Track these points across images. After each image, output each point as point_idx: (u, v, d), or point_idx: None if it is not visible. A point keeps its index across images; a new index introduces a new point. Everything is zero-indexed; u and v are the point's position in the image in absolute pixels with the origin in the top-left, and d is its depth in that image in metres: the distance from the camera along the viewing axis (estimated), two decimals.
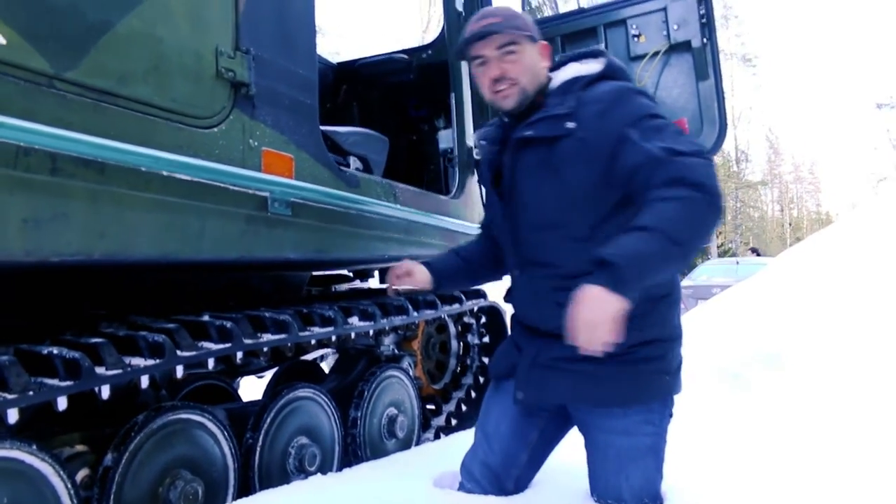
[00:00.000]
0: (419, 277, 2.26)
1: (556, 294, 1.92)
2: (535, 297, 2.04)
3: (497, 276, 2.42)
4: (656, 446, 2.03)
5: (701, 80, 3.25)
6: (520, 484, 2.17)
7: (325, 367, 3.54)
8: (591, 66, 2.02)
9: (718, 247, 33.55)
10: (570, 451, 2.26)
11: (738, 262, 13.33)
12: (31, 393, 1.67)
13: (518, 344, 2.15)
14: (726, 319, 4.88)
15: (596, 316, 1.62)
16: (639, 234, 1.67)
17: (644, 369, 1.96)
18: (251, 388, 4.04)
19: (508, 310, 2.39)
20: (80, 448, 2.07)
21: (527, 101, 2.00)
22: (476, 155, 2.35)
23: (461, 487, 2.19)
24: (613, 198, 1.90)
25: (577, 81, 1.98)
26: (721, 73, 3.29)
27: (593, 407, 2.02)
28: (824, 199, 60.46)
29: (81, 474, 2.00)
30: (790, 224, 50.66)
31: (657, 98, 3.20)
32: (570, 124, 1.89)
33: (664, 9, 3.16)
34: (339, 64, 3.98)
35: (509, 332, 2.29)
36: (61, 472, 1.78)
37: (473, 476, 2.15)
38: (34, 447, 1.72)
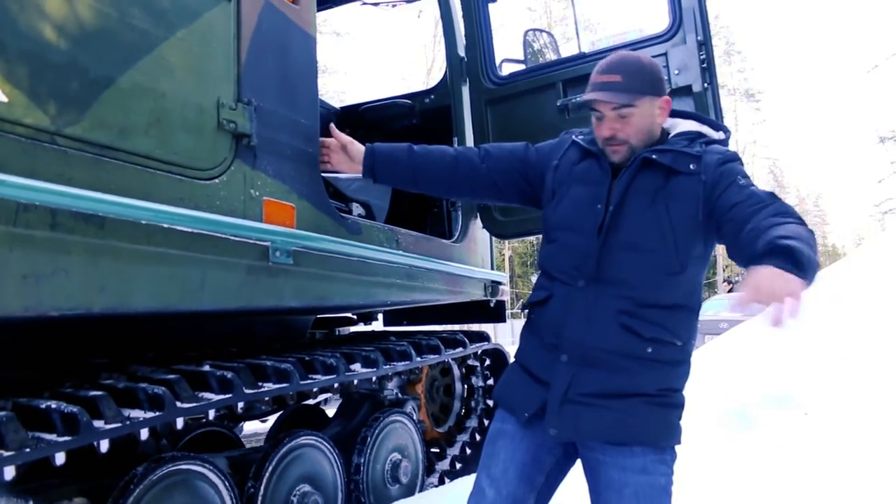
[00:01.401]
0: (352, 158, 2.31)
1: (622, 317, 1.96)
2: (593, 314, 2.00)
3: (444, 194, 2.46)
4: (669, 488, 2.03)
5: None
6: None
7: (329, 410, 3.52)
8: (713, 133, 2.13)
9: (725, 279, 33.42)
10: (570, 494, 2.24)
11: None
12: (27, 450, 1.65)
13: (537, 375, 2.09)
14: (733, 357, 4.85)
15: (786, 287, 1.56)
16: (793, 240, 1.69)
17: (672, 413, 2.02)
18: (254, 426, 4.01)
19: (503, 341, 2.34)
20: (78, 501, 2.05)
21: (634, 156, 2.04)
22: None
23: None
24: (702, 241, 2.00)
25: (702, 137, 2.08)
26: (722, 115, 3.30)
27: (620, 445, 2.01)
28: (830, 232, 60.33)
29: None
30: None
31: None
32: (694, 166, 1.98)
33: (665, 54, 3.18)
34: (342, 108, 4.02)
35: (520, 355, 2.19)
36: None
37: None
38: (31, 503, 1.71)
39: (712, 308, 12.68)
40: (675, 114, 2.16)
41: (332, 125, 2.42)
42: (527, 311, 2.25)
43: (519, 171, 2.31)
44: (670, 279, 1.98)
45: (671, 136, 2.10)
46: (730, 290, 15.27)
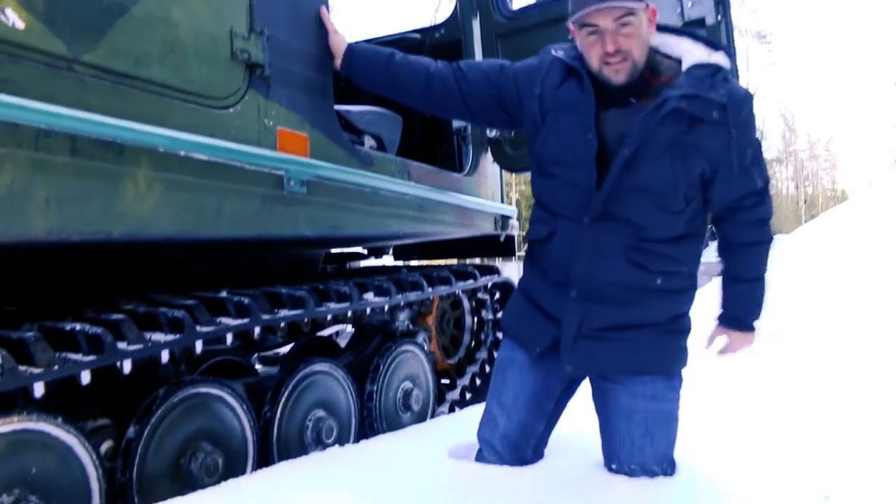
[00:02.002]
0: (333, 49, 2.39)
1: (629, 252, 2.00)
2: (601, 250, 2.01)
3: (425, 111, 2.50)
4: (676, 413, 2.11)
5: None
6: (537, 451, 2.22)
7: (341, 342, 3.59)
8: (721, 59, 1.99)
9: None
10: (580, 423, 2.31)
11: None
12: (55, 367, 1.72)
13: (547, 311, 2.12)
14: None
15: (744, 346, 2.31)
16: (757, 286, 2.23)
17: (681, 339, 2.11)
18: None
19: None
20: (103, 421, 2.13)
21: (636, 76, 1.97)
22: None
23: (480, 458, 2.23)
24: (709, 187, 2.05)
25: (721, 71, 1.97)
26: (735, 49, 3.27)
27: (632, 374, 2.07)
28: (840, 177, 59.89)
29: (105, 446, 2.06)
30: (805, 201, 50.28)
31: None
32: (717, 115, 1.92)
33: None
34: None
35: (525, 287, 2.23)
36: (86, 444, 1.84)
37: (495, 449, 2.18)
38: (59, 420, 1.78)
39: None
40: (658, 28, 2.05)
41: (322, 7, 2.40)
42: (527, 245, 2.25)
43: (492, 97, 2.22)
44: (675, 216, 2.01)
45: (687, 65, 1.99)
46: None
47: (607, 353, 2.03)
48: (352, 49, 2.36)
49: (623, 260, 2.00)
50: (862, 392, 3.07)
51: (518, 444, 2.17)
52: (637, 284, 2.01)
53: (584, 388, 2.22)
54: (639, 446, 2.04)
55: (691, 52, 2.01)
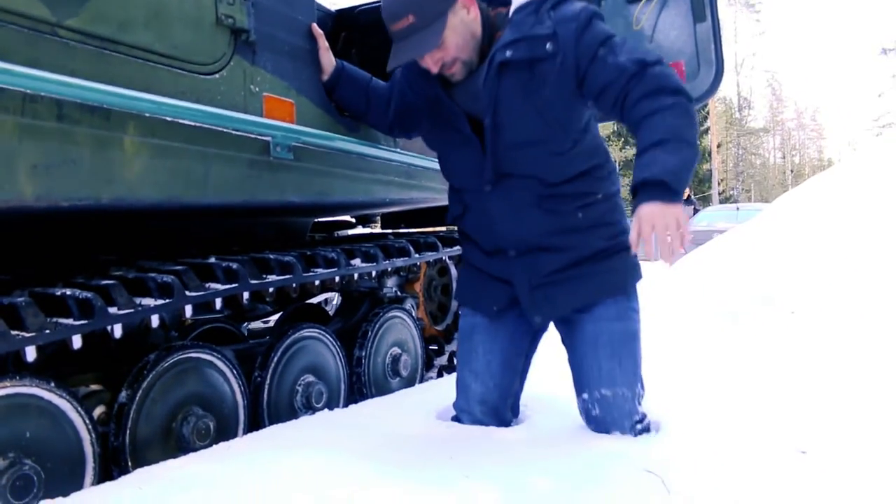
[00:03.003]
0: (322, 67, 2.44)
1: (541, 202, 2.06)
2: (516, 208, 2.08)
3: (375, 124, 2.52)
4: (639, 332, 2.17)
5: (698, 22, 3.24)
6: (514, 409, 2.30)
7: (330, 310, 3.62)
8: None
9: (720, 193, 33.52)
10: (555, 382, 2.37)
11: (738, 209, 13.36)
12: (47, 331, 1.74)
13: (496, 275, 2.19)
14: (725, 261, 4.95)
15: (668, 223, 1.78)
16: (663, 149, 1.84)
17: (625, 256, 2.13)
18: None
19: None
20: (95, 387, 2.16)
21: (474, 65, 2.04)
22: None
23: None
24: (587, 113, 2.07)
25: (547, 2, 2.00)
26: (718, 14, 3.28)
27: (594, 304, 2.11)
28: (826, 146, 60.09)
29: (98, 411, 2.09)
30: (792, 171, 50.46)
31: (654, 41, 3.20)
32: (551, 46, 1.94)
33: None
34: (337, 11, 3.97)
35: (469, 259, 2.30)
36: (79, 409, 1.86)
37: (474, 416, 2.23)
38: (52, 384, 1.80)
39: (706, 219, 12.79)
40: None
41: (314, 24, 2.44)
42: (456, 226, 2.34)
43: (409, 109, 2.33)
44: (568, 156, 2.05)
45: (512, 10, 2.03)
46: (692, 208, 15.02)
47: (564, 293, 2.10)
48: (341, 68, 2.43)
49: (538, 211, 2.07)
50: (839, 351, 3.13)
51: (497, 406, 2.22)
52: (561, 227, 2.08)
53: (552, 345, 2.29)
54: (607, 370, 2.09)
55: None
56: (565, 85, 1.97)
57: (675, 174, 1.81)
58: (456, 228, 2.39)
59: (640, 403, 2.13)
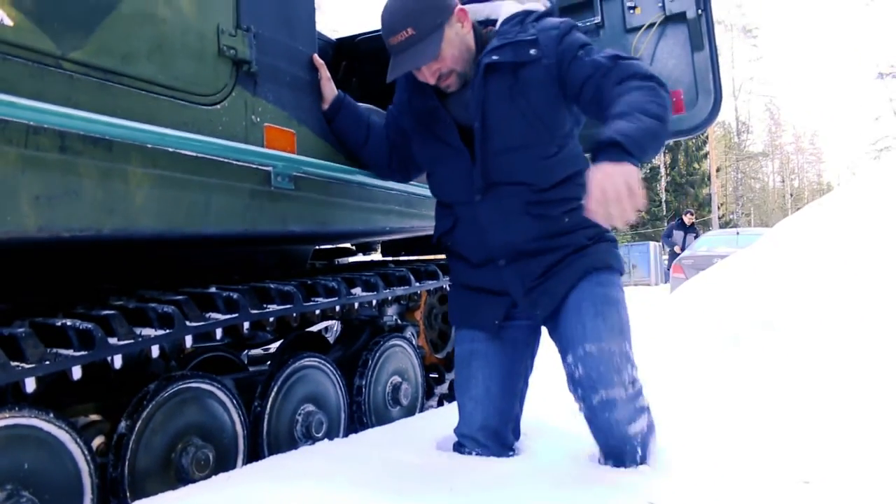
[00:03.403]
0: (322, 96, 2.47)
1: (530, 207, 2.11)
2: (506, 216, 2.13)
3: (375, 168, 2.58)
4: (624, 302, 2.16)
5: (696, 51, 3.28)
6: (516, 432, 2.30)
7: (330, 338, 3.61)
8: (536, 5, 2.19)
9: (720, 217, 33.59)
10: (555, 409, 2.37)
11: (738, 233, 13.35)
12: (47, 363, 1.73)
13: (490, 289, 2.23)
14: (726, 285, 4.95)
15: (617, 185, 1.70)
16: (623, 118, 1.85)
17: (610, 245, 2.22)
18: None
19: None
20: (94, 417, 2.14)
21: (468, 77, 2.13)
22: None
23: (458, 450, 2.26)
24: (572, 116, 2.15)
25: (531, 14, 2.14)
26: (716, 43, 3.31)
27: (581, 279, 2.14)
28: (825, 170, 60.29)
29: (97, 442, 2.08)
30: (791, 195, 50.60)
31: (653, 70, 3.23)
32: (534, 51, 2.05)
33: None
34: (338, 40, 4.01)
35: (460, 280, 2.35)
36: (78, 440, 1.85)
37: (477, 441, 2.22)
38: (51, 415, 1.79)
39: (706, 244, 12.78)
40: None
41: (315, 55, 2.46)
42: (442, 243, 2.37)
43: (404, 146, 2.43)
44: (554, 160, 2.11)
45: (499, 24, 2.15)
46: (682, 225, 14.97)
47: (556, 283, 2.14)
48: (342, 98, 2.47)
49: (527, 217, 2.12)
50: (843, 380, 3.12)
51: (498, 429, 2.23)
52: (549, 232, 2.12)
53: (548, 369, 2.31)
54: (591, 327, 2.06)
55: (505, 9, 2.18)
56: (548, 88, 2.06)
57: (629, 136, 1.78)
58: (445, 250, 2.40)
59: (633, 368, 2.08)
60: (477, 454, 2.22)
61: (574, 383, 2.07)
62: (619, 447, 2.04)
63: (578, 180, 2.12)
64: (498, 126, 2.08)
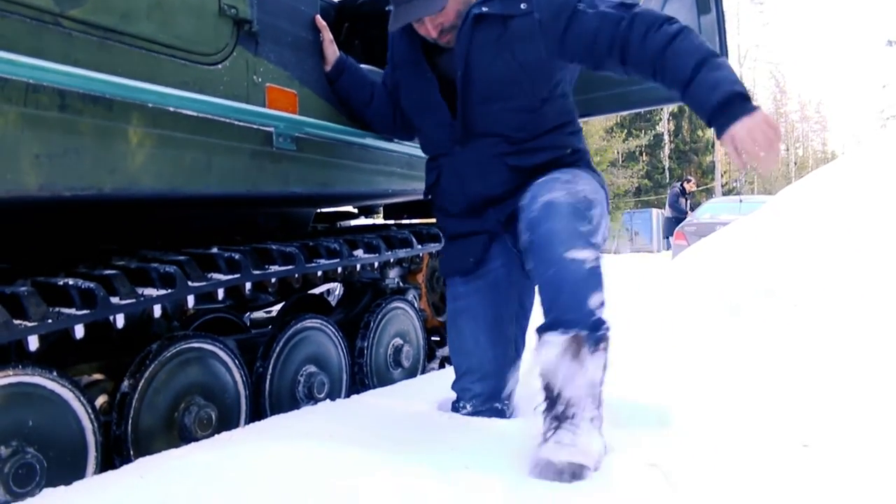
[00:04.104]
0: (325, 58, 2.45)
1: (505, 159, 2.11)
2: (481, 167, 2.14)
3: (379, 128, 2.58)
4: (591, 189, 2.03)
5: (703, 14, 3.24)
6: (514, 379, 2.31)
7: (332, 301, 3.61)
8: None
9: (723, 186, 33.47)
10: None
11: (741, 201, 13.31)
12: (49, 321, 1.74)
13: (472, 231, 2.25)
14: (728, 253, 4.94)
15: (766, 132, 1.78)
16: (707, 68, 1.86)
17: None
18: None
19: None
20: (97, 376, 2.16)
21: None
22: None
23: (455, 409, 2.28)
24: (558, 73, 2.12)
25: None
26: (723, 5, 3.27)
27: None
28: (830, 139, 59.97)
29: (100, 400, 2.10)
30: (795, 163, 50.36)
31: None
32: (525, 5, 2.04)
33: None
34: (340, 2, 3.95)
35: (449, 233, 2.37)
36: (81, 398, 1.86)
37: (474, 392, 2.24)
38: (55, 374, 1.80)
39: (709, 211, 12.74)
40: None
41: (318, 16, 2.43)
42: (430, 197, 2.38)
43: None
44: (536, 113, 2.11)
45: None
46: (683, 192, 14.88)
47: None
48: (344, 59, 2.46)
49: (502, 167, 2.13)
50: (842, 346, 3.13)
51: (492, 376, 2.24)
52: (526, 182, 2.08)
53: None
54: (548, 188, 1.94)
55: None
56: (536, 42, 2.04)
57: (739, 83, 1.84)
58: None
59: (589, 212, 1.92)
60: (472, 406, 2.23)
61: (522, 247, 1.98)
62: (556, 281, 1.85)
63: (566, 129, 2.16)
64: (480, 76, 2.08)
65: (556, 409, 1.81)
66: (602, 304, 1.87)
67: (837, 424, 2.15)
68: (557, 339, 1.80)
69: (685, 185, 14.91)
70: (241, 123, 2.11)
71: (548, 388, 1.85)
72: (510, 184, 2.13)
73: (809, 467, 1.80)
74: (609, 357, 1.93)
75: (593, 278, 1.85)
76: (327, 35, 2.42)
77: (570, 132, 2.20)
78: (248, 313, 3.52)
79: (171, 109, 1.92)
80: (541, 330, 1.87)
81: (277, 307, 3.37)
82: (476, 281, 2.28)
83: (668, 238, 14.82)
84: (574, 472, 1.67)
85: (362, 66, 2.54)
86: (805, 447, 1.96)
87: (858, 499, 1.60)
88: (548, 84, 2.12)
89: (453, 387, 2.31)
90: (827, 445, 1.96)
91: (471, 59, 2.08)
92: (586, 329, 1.81)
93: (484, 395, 2.23)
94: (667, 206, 15.16)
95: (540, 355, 1.84)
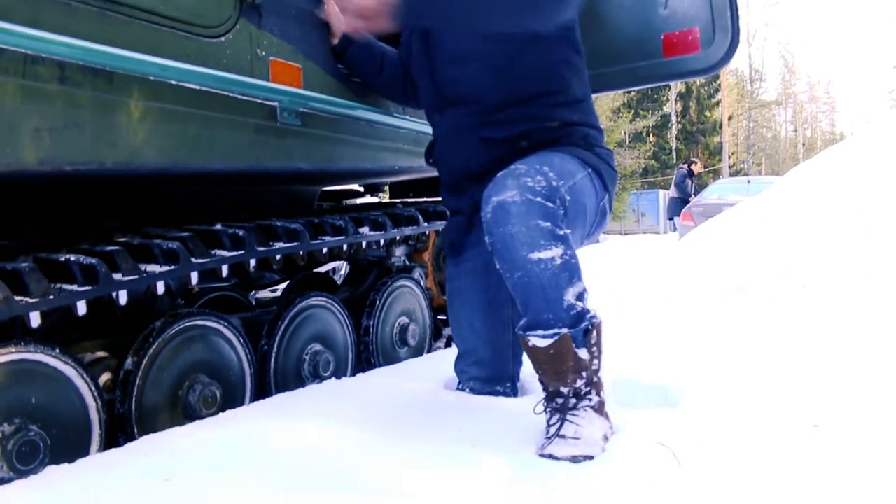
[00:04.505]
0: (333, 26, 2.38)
1: (478, 131, 2.02)
2: (459, 138, 2.07)
3: (394, 96, 2.56)
4: (567, 159, 1.92)
5: None
6: (517, 359, 2.25)
7: (337, 281, 3.59)
8: None
9: (730, 167, 33.32)
10: None
11: (749, 181, 13.24)
12: (51, 297, 1.72)
13: (454, 208, 2.23)
14: (735, 233, 4.90)
15: None
16: None
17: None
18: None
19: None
20: (101, 354, 2.14)
21: None
22: None
23: (460, 389, 2.26)
24: (544, 23, 1.96)
25: None
26: None
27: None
28: (839, 120, 59.56)
29: (104, 378, 2.08)
30: (804, 144, 50.06)
31: (669, 7, 3.13)
32: None
33: None
34: None
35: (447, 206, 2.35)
36: (84, 376, 1.85)
37: (471, 375, 2.23)
38: (57, 351, 1.79)
39: (716, 192, 12.69)
40: None
41: None
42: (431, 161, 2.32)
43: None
44: (509, 76, 1.99)
45: None
46: (690, 174, 14.75)
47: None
48: (353, 39, 2.38)
49: (476, 140, 2.04)
50: (852, 326, 3.10)
51: (490, 361, 2.21)
52: (499, 157, 1.97)
53: None
54: (497, 190, 1.78)
55: None
56: None
57: None
58: None
59: (557, 226, 1.75)
60: (471, 390, 2.21)
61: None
62: (525, 285, 1.75)
63: (549, 100, 2.01)
64: (443, 34, 2.03)
65: (556, 402, 1.78)
66: (580, 294, 1.79)
67: (848, 405, 2.12)
68: (541, 341, 1.75)
69: (692, 166, 14.82)
70: (244, 98, 2.08)
71: (544, 385, 1.83)
72: (486, 157, 2.02)
73: (820, 448, 1.77)
74: (603, 343, 1.86)
75: (564, 273, 1.74)
76: (332, 8, 2.37)
77: (558, 103, 2.03)
78: (253, 292, 3.50)
79: (173, 83, 1.88)
80: (522, 330, 1.81)
81: (282, 286, 3.35)
82: (465, 263, 2.23)
83: (672, 219, 14.77)
84: None
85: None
86: (815, 427, 1.93)
87: (869, 480, 1.58)
88: (514, 39, 1.96)
89: (455, 368, 2.29)
90: (838, 426, 1.93)
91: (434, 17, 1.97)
92: (567, 326, 1.76)
93: (482, 378, 2.20)
94: (672, 186, 15.08)
95: (529, 356, 1.81)
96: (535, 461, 1.67)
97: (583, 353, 1.78)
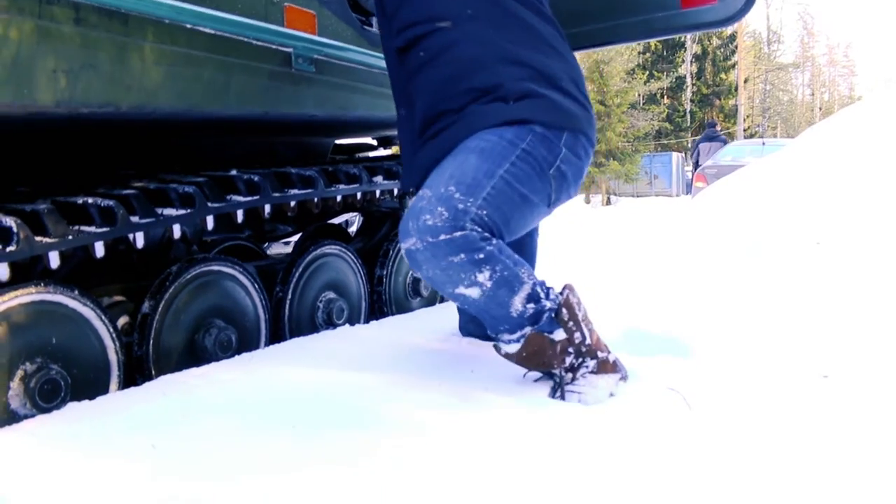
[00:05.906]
0: None
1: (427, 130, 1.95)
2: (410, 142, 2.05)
3: None
4: (493, 149, 1.78)
5: None
6: None
7: (351, 233, 3.60)
8: None
9: (745, 130, 32.99)
10: None
11: (764, 143, 13.11)
12: (69, 237, 1.74)
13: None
14: (749, 192, 4.88)
15: None
16: None
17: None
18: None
19: None
20: (119, 298, 2.17)
21: None
22: None
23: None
24: None
25: None
26: None
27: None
28: (858, 83, 58.68)
29: (122, 321, 2.11)
30: (820, 108, 49.40)
31: None
32: None
33: None
34: None
35: None
36: (103, 318, 1.87)
37: (469, 331, 2.25)
38: (76, 292, 1.81)
39: (731, 153, 12.57)
40: None
41: None
42: None
43: None
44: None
45: None
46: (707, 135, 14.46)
47: (427, 150, 1.92)
48: None
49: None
50: (862, 282, 3.10)
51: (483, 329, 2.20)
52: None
53: None
54: (405, 232, 1.72)
55: None
56: None
57: None
58: None
59: (474, 253, 1.66)
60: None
61: None
62: (469, 310, 1.83)
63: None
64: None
65: (555, 379, 1.78)
66: (528, 295, 1.73)
67: (858, 357, 2.13)
68: (511, 346, 1.77)
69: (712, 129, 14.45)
70: (259, 43, 2.07)
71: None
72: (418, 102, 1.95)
73: (828, 397, 1.79)
74: (581, 309, 1.81)
75: (501, 290, 1.69)
76: None
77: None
78: (266, 244, 3.51)
79: (188, 26, 1.88)
80: (491, 336, 1.84)
81: (295, 239, 3.36)
82: None
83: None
84: None
85: None
86: (825, 378, 1.94)
87: (877, 430, 1.59)
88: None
89: (459, 324, 2.30)
90: (847, 377, 1.95)
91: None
92: (530, 325, 1.75)
93: (481, 335, 2.20)
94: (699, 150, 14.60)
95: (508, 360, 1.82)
96: (548, 403, 1.69)
97: (559, 335, 1.77)
